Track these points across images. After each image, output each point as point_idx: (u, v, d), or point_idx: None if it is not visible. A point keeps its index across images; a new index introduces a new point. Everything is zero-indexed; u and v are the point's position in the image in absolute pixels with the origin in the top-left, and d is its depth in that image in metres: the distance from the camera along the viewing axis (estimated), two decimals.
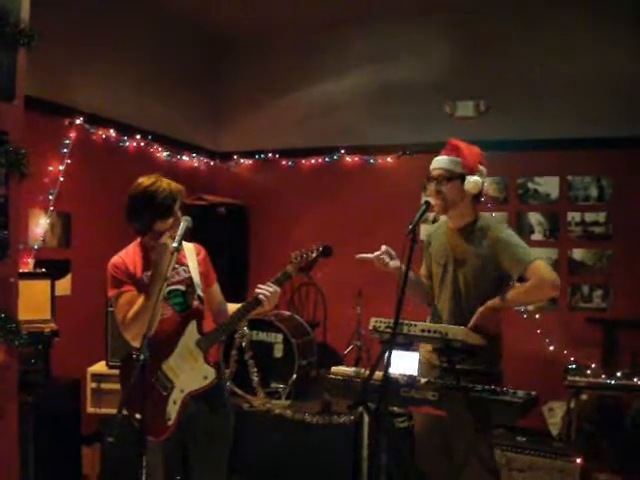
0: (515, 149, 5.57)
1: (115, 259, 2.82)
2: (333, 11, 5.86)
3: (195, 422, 2.76)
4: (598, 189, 5.47)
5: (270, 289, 2.70)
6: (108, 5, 5.19)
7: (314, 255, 2.73)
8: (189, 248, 2.90)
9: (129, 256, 2.82)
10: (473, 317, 2.79)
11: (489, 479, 2.85)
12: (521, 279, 2.84)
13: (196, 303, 2.79)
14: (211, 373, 2.70)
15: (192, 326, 2.73)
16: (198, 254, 2.92)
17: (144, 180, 2.82)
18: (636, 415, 4.45)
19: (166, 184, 2.79)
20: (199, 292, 2.79)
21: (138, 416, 2.52)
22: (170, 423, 2.69)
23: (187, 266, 2.84)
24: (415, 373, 2.98)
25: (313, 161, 6.41)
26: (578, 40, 5.41)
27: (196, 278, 2.82)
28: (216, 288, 2.98)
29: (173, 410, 2.69)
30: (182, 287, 2.81)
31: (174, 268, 2.78)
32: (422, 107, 5.86)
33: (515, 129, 5.56)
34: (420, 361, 3.07)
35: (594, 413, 4.62)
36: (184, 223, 2.65)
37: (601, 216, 5.46)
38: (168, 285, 2.73)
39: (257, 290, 2.73)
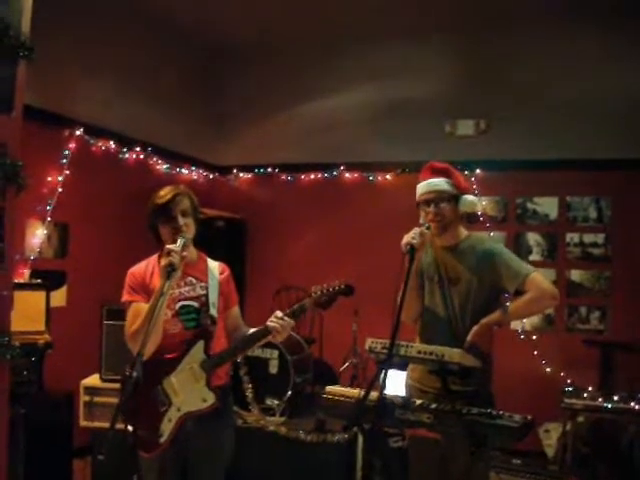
0: (514, 169, 5.59)
1: (134, 267, 2.80)
2: (334, 28, 5.89)
3: (195, 440, 2.70)
4: (597, 210, 5.47)
5: (283, 322, 2.64)
6: (109, 17, 5.21)
7: (335, 293, 2.66)
8: (213, 266, 2.86)
9: (148, 266, 2.79)
10: (469, 335, 2.77)
11: None
12: (517, 292, 2.83)
13: (208, 323, 2.72)
14: (210, 397, 2.64)
15: (199, 346, 2.67)
16: (221, 273, 2.86)
17: (152, 196, 2.76)
18: (632, 439, 4.42)
19: (167, 188, 2.73)
20: (212, 312, 2.73)
21: (130, 428, 2.50)
22: (162, 440, 2.64)
23: (206, 283, 2.78)
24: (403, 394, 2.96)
25: (312, 177, 6.41)
26: (578, 61, 5.43)
27: (212, 297, 2.75)
28: (236, 311, 2.92)
29: (167, 428, 2.64)
30: (196, 304, 2.74)
31: (191, 284, 2.76)
32: (422, 125, 5.87)
33: (515, 149, 5.57)
34: (409, 385, 3.03)
35: (590, 436, 4.59)
36: (180, 240, 2.61)
37: (600, 237, 5.46)
38: (180, 300, 2.72)
39: (269, 321, 2.67)
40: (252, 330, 2.79)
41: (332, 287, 2.67)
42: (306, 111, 6.43)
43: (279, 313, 2.67)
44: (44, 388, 4.12)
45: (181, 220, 2.68)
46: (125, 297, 2.75)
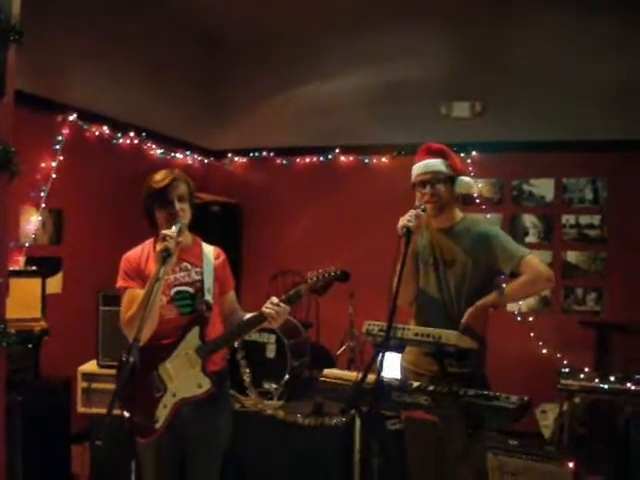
0: (510, 150, 5.58)
1: (128, 253, 2.80)
2: (331, 11, 5.84)
3: (192, 426, 2.70)
4: (593, 191, 5.47)
5: (278, 309, 2.63)
6: (103, 1, 5.15)
7: (330, 278, 2.65)
8: (208, 251, 2.85)
9: (143, 251, 2.78)
10: (463, 317, 2.77)
11: None
12: (512, 275, 2.83)
13: (203, 309, 2.71)
14: (206, 383, 2.64)
15: (194, 332, 2.67)
16: (217, 258, 2.86)
17: (148, 179, 2.75)
18: (628, 419, 4.44)
19: (162, 172, 2.72)
20: (208, 297, 2.72)
21: (127, 414, 2.51)
22: (157, 426, 2.64)
23: (201, 269, 2.77)
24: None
25: (308, 160, 6.39)
26: (575, 43, 5.41)
27: (208, 282, 2.75)
28: (232, 296, 2.91)
29: (162, 414, 2.64)
30: (191, 290, 2.74)
31: (186, 269, 2.75)
32: (418, 108, 5.84)
33: (510, 130, 5.55)
34: (403, 367, 3.03)
35: (586, 416, 4.61)
36: (176, 226, 2.59)
37: (596, 219, 5.46)
38: (175, 286, 2.71)
39: (265, 307, 2.66)
40: (248, 316, 2.78)
41: (328, 273, 2.66)
42: (301, 94, 6.40)
43: (275, 299, 2.66)
44: (41, 375, 4.11)
45: (177, 205, 2.67)
46: (120, 283, 2.75)
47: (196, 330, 2.67)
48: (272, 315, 2.63)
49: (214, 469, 2.82)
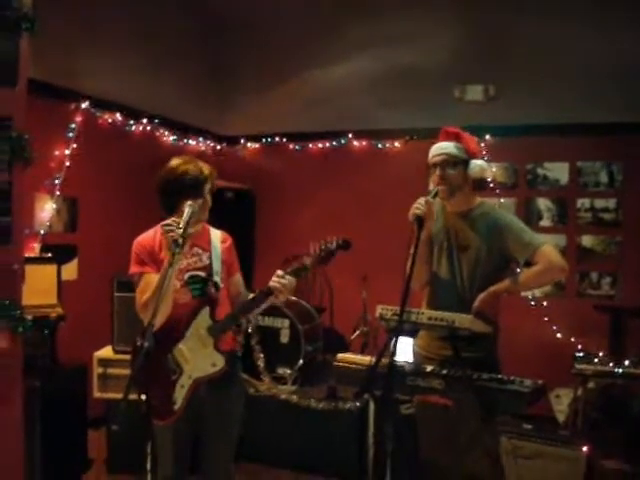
0: (524, 134, 5.53)
1: (141, 237, 2.83)
2: None
3: (207, 404, 2.76)
4: (608, 175, 5.42)
5: (284, 281, 2.64)
6: None
7: (333, 248, 2.66)
8: (216, 235, 2.90)
9: (156, 235, 2.81)
10: (475, 303, 2.77)
11: (492, 468, 2.85)
12: (527, 263, 2.82)
13: (212, 290, 2.77)
14: (220, 360, 2.69)
15: (205, 312, 2.72)
16: (224, 242, 2.91)
17: (175, 160, 2.80)
18: None
19: (194, 165, 2.76)
20: (216, 279, 2.78)
21: (143, 397, 2.55)
22: (176, 407, 2.69)
23: (210, 252, 2.83)
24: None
25: (321, 145, 6.37)
26: (589, 25, 5.31)
27: (216, 265, 2.80)
28: (238, 278, 2.95)
29: (180, 395, 2.70)
30: (202, 273, 2.79)
31: (197, 254, 2.80)
32: (431, 91, 5.79)
33: (524, 114, 5.49)
34: (415, 352, 3.04)
35: (601, 401, 4.60)
36: (189, 208, 2.61)
37: (611, 202, 5.42)
38: (188, 271, 2.76)
39: (272, 281, 2.67)
40: (255, 292, 2.80)
41: (330, 243, 2.67)
42: (313, 79, 6.36)
43: (280, 272, 2.67)
44: (57, 361, 4.15)
45: (209, 199, 2.77)
46: (133, 269, 2.78)
47: (206, 310, 2.73)
48: (278, 288, 2.64)
49: (230, 449, 2.88)
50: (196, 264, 2.79)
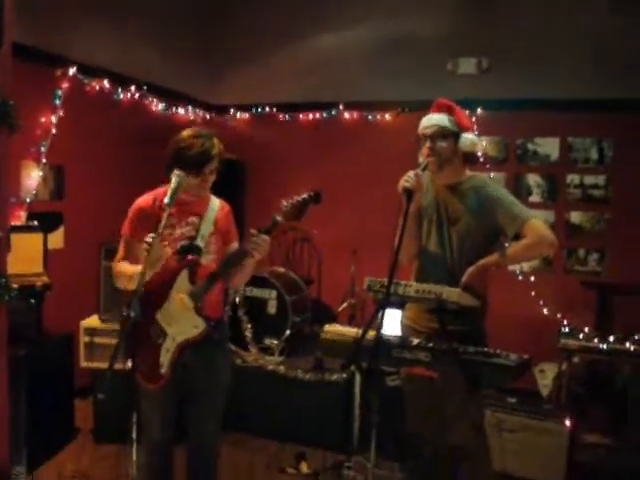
0: (516, 109, 5.49)
1: (141, 200, 2.83)
2: None
3: (193, 370, 2.80)
4: (599, 152, 5.41)
5: (257, 239, 2.64)
6: None
7: (304, 201, 2.66)
8: (214, 203, 2.90)
9: (155, 202, 2.79)
10: (464, 276, 2.77)
11: (477, 439, 2.87)
12: (516, 237, 2.82)
13: (191, 254, 2.76)
14: (201, 324, 2.70)
15: (184, 275, 2.72)
16: (221, 209, 2.91)
17: (187, 131, 2.78)
18: (627, 379, 4.48)
19: (204, 142, 2.72)
20: (199, 242, 2.78)
21: (129, 363, 2.62)
22: (163, 371, 2.73)
23: (201, 217, 2.82)
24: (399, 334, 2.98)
25: (311, 116, 6.31)
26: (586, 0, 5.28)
27: (203, 229, 2.80)
28: (234, 247, 2.92)
29: (166, 359, 2.73)
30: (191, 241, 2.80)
31: (192, 223, 2.80)
32: (423, 64, 5.74)
33: (517, 88, 5.45)
34: (403, 324, 3.05)
35: (585, 376, 4.65)
36: (176, 178, 2.61)
37: (600, 179, 5.41)
38: (182, 239, 2.78)
39: (246, 241, 2.68)
40: (230, 253, 2.82)
41: (301, 197, 2.67)
42: (304, 49, 6.28)
43: (253, 230, 2.66)
44: (43, 330, 4.13)
45: (209, 178, 2.77)
46: (123, 230, 2.82)
47: (185, 273, 2.72)
48: (252, 247, 2.64)
49: (215, 415, 2.93)
50: (189, 233, 2.79)
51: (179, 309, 2.71)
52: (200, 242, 2.78)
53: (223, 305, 3.07)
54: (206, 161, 2.71)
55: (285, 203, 2.69)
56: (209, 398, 2.89)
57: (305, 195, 2.67)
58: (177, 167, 2.66)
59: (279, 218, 2.67)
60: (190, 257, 2.75)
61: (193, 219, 2.81)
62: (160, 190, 2.82)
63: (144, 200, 2.83)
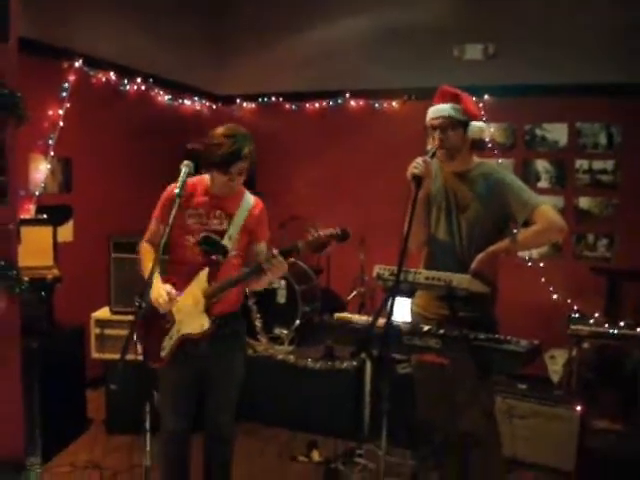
0: (523, 94, 5.45)
1: (172, 185, 2.83)
2: None
3: (210, 361, 2.85)
4: (607, 137, 5.37)
5: (275, 261, 2.61)
6: None
7: (329, 237, 2.62)
8: (248, 201, 2.90)
9: (195, 186, 2.84)
10: (473, 263, 2.76)
11: (488, 426, 2.88)
12: (526, 223, 2.81)
13: (216, 254, 2.79)
14: (207, 323, 2.74)
15: (203, 274, 2.77)
16: (253, 208, 2.91)
17: (221, 128, 2.78)
18: (637, 364, 4.47)
19: (234, 142, 2.70)
20: (226, 243, 2.80)
21: (139, 349, 2.77)
22: (163, 354, 2.82)
23: (232, 216, 2.84)
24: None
25: (317, 105, 6.30)
26: None
27: (232, 229, 2.81)
28: (261, 247, 2.92)
29: (168, 344, 2.82)
30: (215, 237, 2.83)
31: (219, 217, 2.83)
32: (429, 50, 5.71)
33: (524, 74, 5.42)
34: (413, 312, 3.05)
35: (595, 362, 4.64)
36: (185, 168, 2.67)
37: (609, 164, 5.38)
38: (205, 230, 2.81)
39: (264, 259, 2.66)
40: (246, 268, 2.82)
41: (329, 233, 2.62)
42: (310, 38, 6.26)
43: (275, 251, 2.64)
44: (54, 322, 4.16)
45: (238, 179, 2.78)
46: (156, 213, 2.91)
47: (205, 272, 2.77)
48: (267, 267, 2.64)
49: (230, 404, 2.99)
50: (215, 226, 2.82)
51: (190, 305, 2.76)
52: (227, 242, 2.81)
53: (242, 298, 3.09)
54: (234, 161, 2.70)
55: (313, 233, 2.65)
56: (223, 390, 2.94)
57: (333, 231, 2.63)
58: (206, 163, 2.73)
59: (301, 245, 2.64)
60: (214, 257, 2.79)
61: (222, 213, 2.83)
62: (194, 179, 2.85)
63: (174, 185, 2.83)
